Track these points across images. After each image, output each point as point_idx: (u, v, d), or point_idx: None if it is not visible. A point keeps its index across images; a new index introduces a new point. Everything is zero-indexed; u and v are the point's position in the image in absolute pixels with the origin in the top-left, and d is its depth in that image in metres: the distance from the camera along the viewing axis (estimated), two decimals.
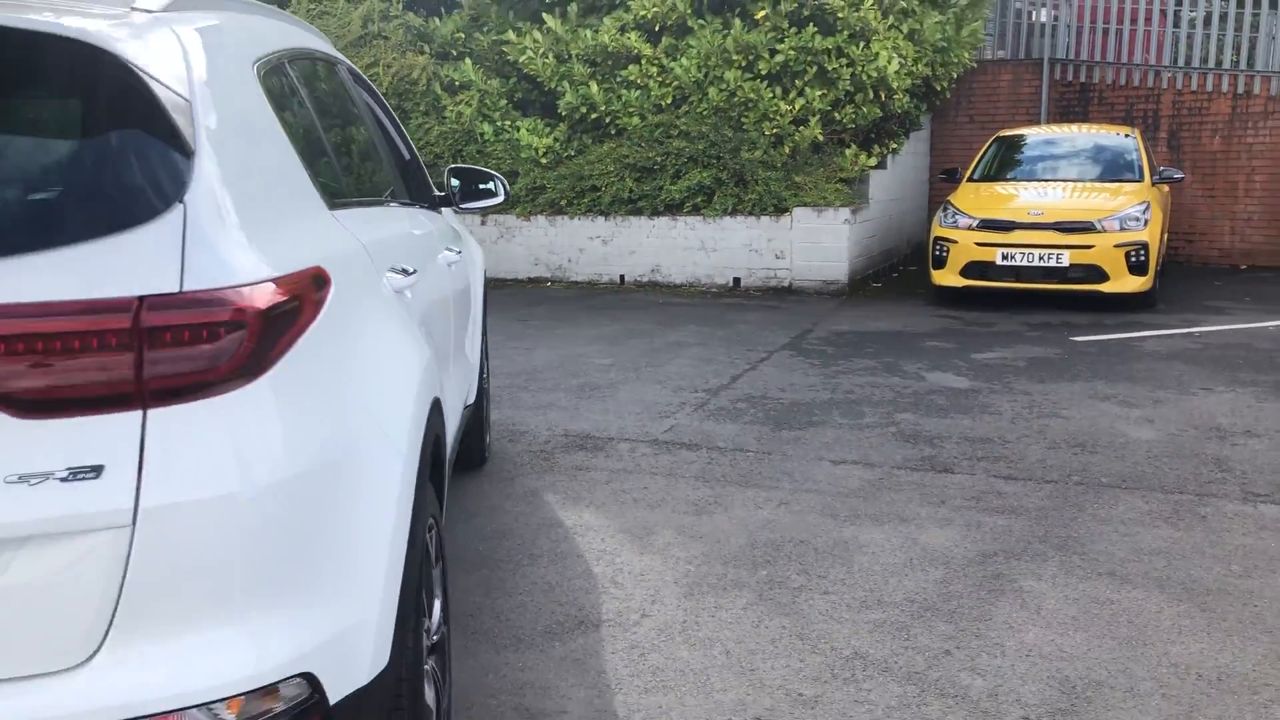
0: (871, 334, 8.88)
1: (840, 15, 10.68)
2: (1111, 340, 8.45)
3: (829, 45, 10.73)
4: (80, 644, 1.68)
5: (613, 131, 11.58)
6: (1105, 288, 9.64)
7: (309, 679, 1.83)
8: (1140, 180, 10.49)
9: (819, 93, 10.88)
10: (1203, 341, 8.39)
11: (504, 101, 11.92)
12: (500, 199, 4.52)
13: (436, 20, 12.30)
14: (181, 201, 1.80)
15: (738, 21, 10.74)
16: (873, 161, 11.68)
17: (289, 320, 1.87)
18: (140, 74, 1.87)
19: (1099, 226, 9.62)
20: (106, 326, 1.65)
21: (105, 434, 1.66)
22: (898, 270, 12.97)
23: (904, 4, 11.14)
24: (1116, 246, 9.56)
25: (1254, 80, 13.17)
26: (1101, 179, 10.66)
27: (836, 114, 11.19)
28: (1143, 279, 9.63)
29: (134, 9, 2.07)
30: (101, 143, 1.81)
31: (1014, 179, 10.91)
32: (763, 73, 10.90)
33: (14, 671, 1.66)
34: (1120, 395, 6.63)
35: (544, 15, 11.36)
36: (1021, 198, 10.27)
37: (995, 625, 3.57)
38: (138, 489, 1.67)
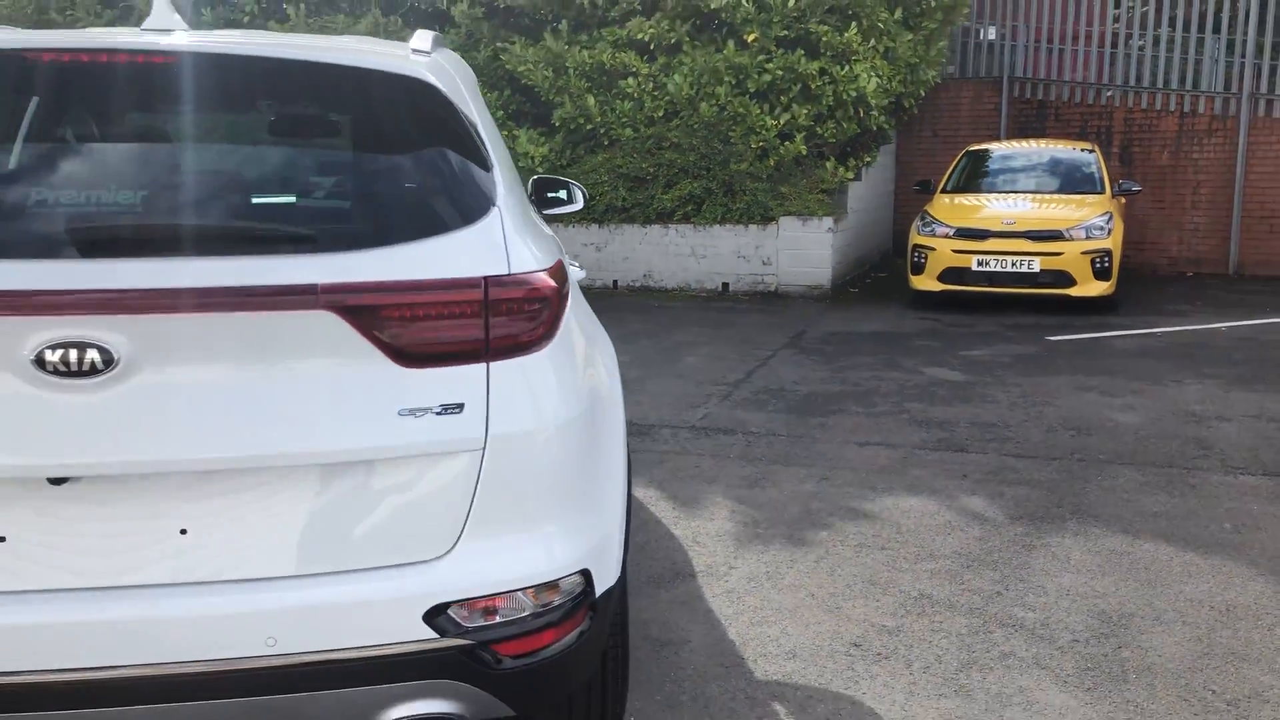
0: (863, 334, 9.51)
1: (825, 38, 11.34)
2: (1083, 339, 9.17)
3: (814, 68, 11.37)
4: (445, 540, 2.20)
5: (606, 142, 12.12)
6: (1073, 292, 10.38)
7: (584, 575, 2.35)
8: (1102, 192, 11.26)
9: (804, 109, 11.52)
10: (1165, 340, 9.13)
11: (500, 112, 12.42)
12: (578, 205, 4.93)
13: (408, 29, 12.75)
14: (496, 205, 2.33)
15: (730, 43, 11.35)
16: (850, 174, 12.36)
17: (562, 298, 2.40)
18: (452, 104, 2.40)
19: (1067, 235, 10.35)
20: (465, 299, 2.18)
21: (464, 380, 2.18)
22: (870, 277, 13.65)
23: (881, 25, 11.83)
24: (1083, 254, 10.30)
25: (1199, 100, 14.07)
26: (1066, 191, 11.41)
27: (819, 129, 11.84)
28: (1107, 284, 10.38)
29: (414, 51, 2.59)
30: (440, 158, 2.34)
31: (985, 190, 11.62)
32: (751, 90, 11.52)
33: (400, 560, 2.17)
34: (1101, 386, 7.31)
35: (544, 35, 11.87)
36: (994, 208, 10.98)
37: (1034, 572, 4.17)
38: (487, 422, 2.19)
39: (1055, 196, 11.25)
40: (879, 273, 14.06)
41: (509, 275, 2.24)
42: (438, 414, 2.16)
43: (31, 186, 2.22)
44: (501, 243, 2.28)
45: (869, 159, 13.14)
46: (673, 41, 11.40)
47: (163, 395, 2.04)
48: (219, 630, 2.07)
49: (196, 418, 2.06)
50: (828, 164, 12.05)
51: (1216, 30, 14.12)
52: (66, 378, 2.00)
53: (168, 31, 2.48)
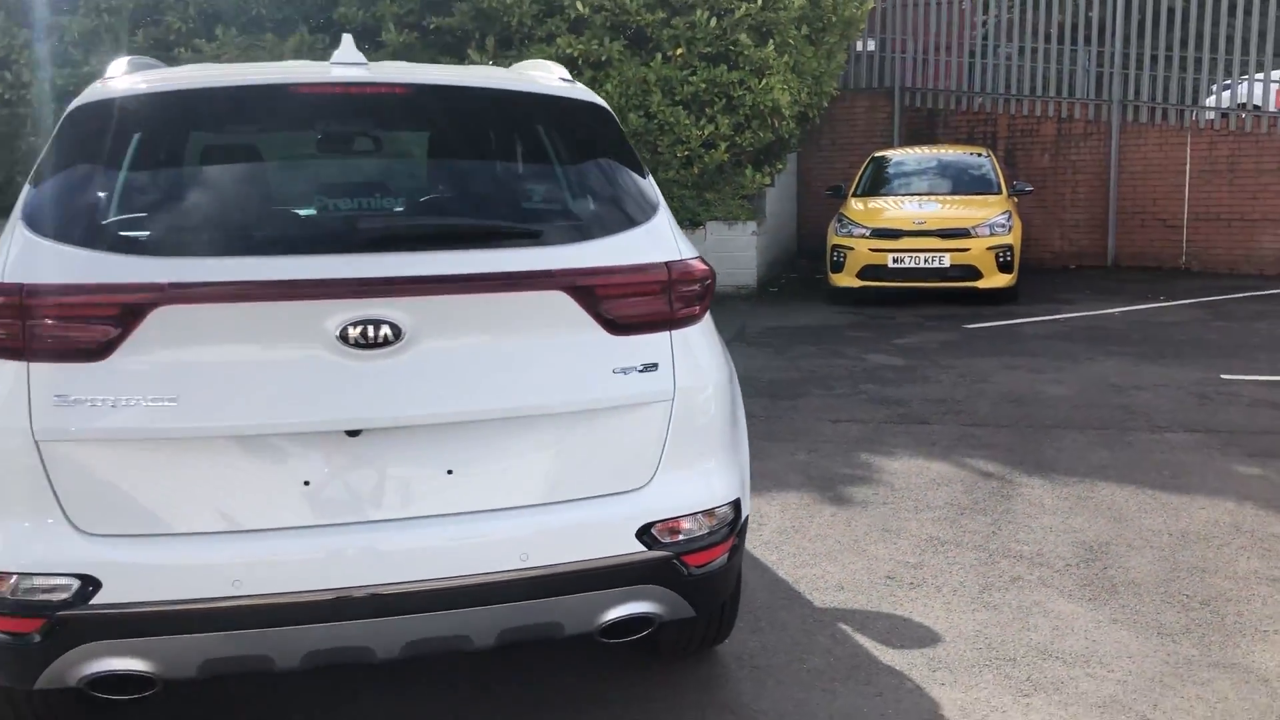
0: (799, 328, 10.21)
1: (745, 53, 12.05)
2: (997, 326, 10.04)
3: (734, 79, 12.07)
4: (647, 473, 2.71)
5: None
6: (980, 284, 11.28)
7: (734, 505, 2.89)
8: (999, 193, 12.23)
9: (726, 120, 12.20)
10: (1070, 325, 10.07)
11: None
12: None
13: (317, 38, 12.98)
14: (659, 206, 2.85)
15: (658, 57, 11.96)
16: (767, 180, 13.09)
17: (713, 281, 2.94)
18: (617, 123, 2.91)
19: (973, 232, 11.25)
20: (655, 279, 2.70)
21: (656, 345, 2.70)
22: (784, 277, 14.42)
23: (792, 41, 12.60)
24: (988, 249, 11.21)
25: (1074, 106, 15.28)
26: (966, 192, 12.35)
27: (738, 138, 12.54)
28: (1009, 276, 11.32)
29: (560, 79, 3.09)
30: (618, 167, 2.86)
31: (894, 193, 12.49)
32: (678, 100, 12.15)
33: (617, 489, 2.68)
34: (1026, 365, 8.13)
35: (469, 52, 12.28)
36: (905, 209, 11.83)
37: (1018, 516, 4.85)
38: (674, 378, 2.72)
39: (958, 197, 12.17)
40: (790, 273, 14.84)
41: (681, 261, 2.77)
42: (640, 371, 2.67)
43: (318, 195, 2.66)
44: (671, 236, 2.81)
45: (780, 166, 13.91)
46: (602, 59, 11.95)
47: (435, 362, 2.51)
48: (482, 550, 2.54)
49: (461, 379, 2.53)
50: (747, 171, 12.75)
51: (1088, 42, 15.34)
52: (363, 349, 2.45)
53: (359, 64, 2.93)
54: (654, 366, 2.70)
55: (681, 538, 2.74)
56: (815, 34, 13.60)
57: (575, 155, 2.89)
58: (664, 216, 2.85)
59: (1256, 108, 14.14)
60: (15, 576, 2.40)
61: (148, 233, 2.58)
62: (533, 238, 2.67)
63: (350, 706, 3.23)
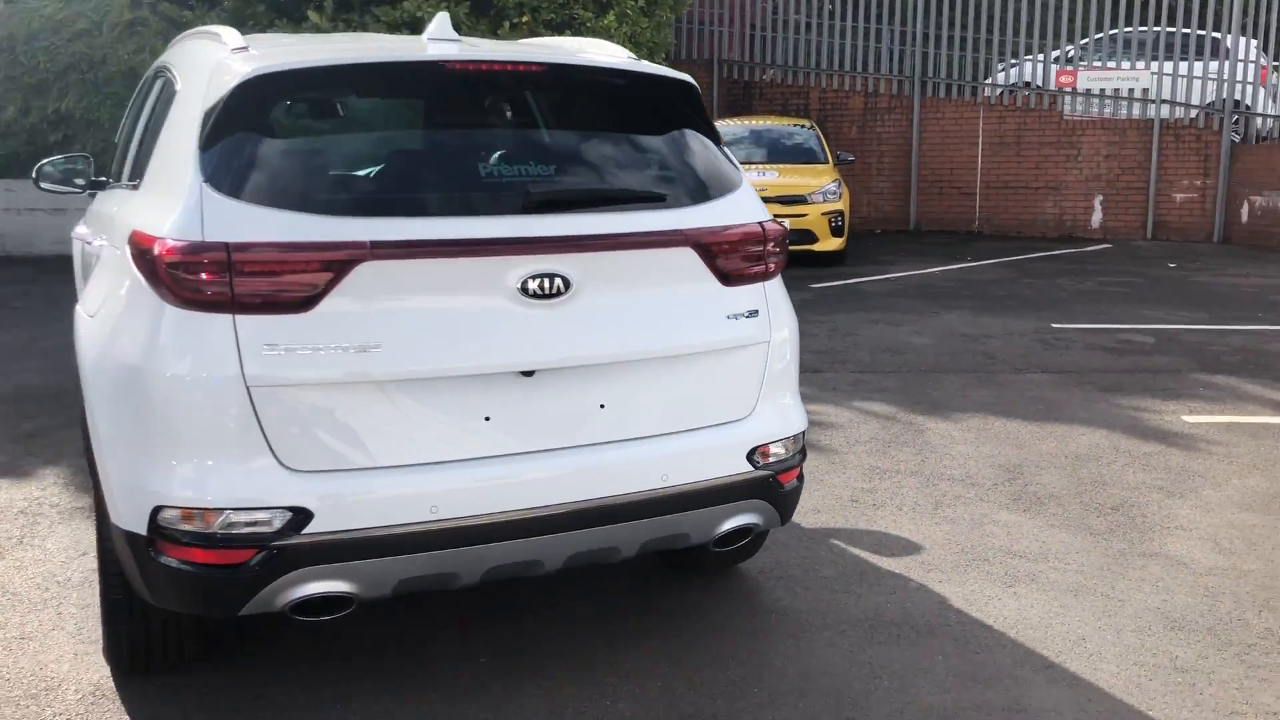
0: None
1: (588, 25, 12.39)
2: (841, 285, 10.87)
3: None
4: (750, 405, 3.12)
5: None
6: (816, 247, 12.11)
7: (803, 434, 3.34)
8: (826, 162, 13.11)
9: None
10: (901, 284, 11.01)
11: None
12: None
13: (189, 13, 12.54)
14: (741, 172, 3.25)
15: (506, 24, 12.13)
16: None
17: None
18: (702, 98, 3.28)
19: (809, 199, 12.06)
20: (756, 236, 3.10)
21: (756, 294, 3.11)
22: None
23: (629, 12, 13.03)
24: (822, 214, 12.05)
25: (879, 82, 16.42)
26: (796, 161, 13.16)
27: None
28: (841, 240, 12.20)
29: (630, 57, 3.42)
30: (709, 138, 3.23)
31: None
32: None
33: (731, 418, 3.08)
34: (883, 320, 8.93)
35: (307, 12, 12.08)
36: (747, 177, 12.51)
37: (936, 446, 5.52)
38: (770, 325, 3.13)
39: (790, 166, 12.96)
40: None
41: (769, 221, 3.18)
42: (745, 318, 3.08)
43: (481, 163, 2.91)
44: (756, 200, 3.22)
45: None
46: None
47: (594, 310, 2.84)
48: (632, 472, 2.90)
49: (613, 326, 2.88)
50: None
51: (891, 21, 16.47)
52: (539, 300, 2.75)
53: (455, 40, 3.18)
54: (755, 313, 3.11)
55: (773, 460, 3.17)
56: (648, 6, 14.09)
57: (677, 127, 3.24)
58: (746, 183, 3.25)
59: (1038, 86, 15.62)
60: (226, 512, 2.59)
61: (342, 196, 2.79)
62: (660, 201, 3.03)
63: (426, 632, 3.50)
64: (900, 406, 6.25)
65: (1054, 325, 8.65)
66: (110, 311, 2.92)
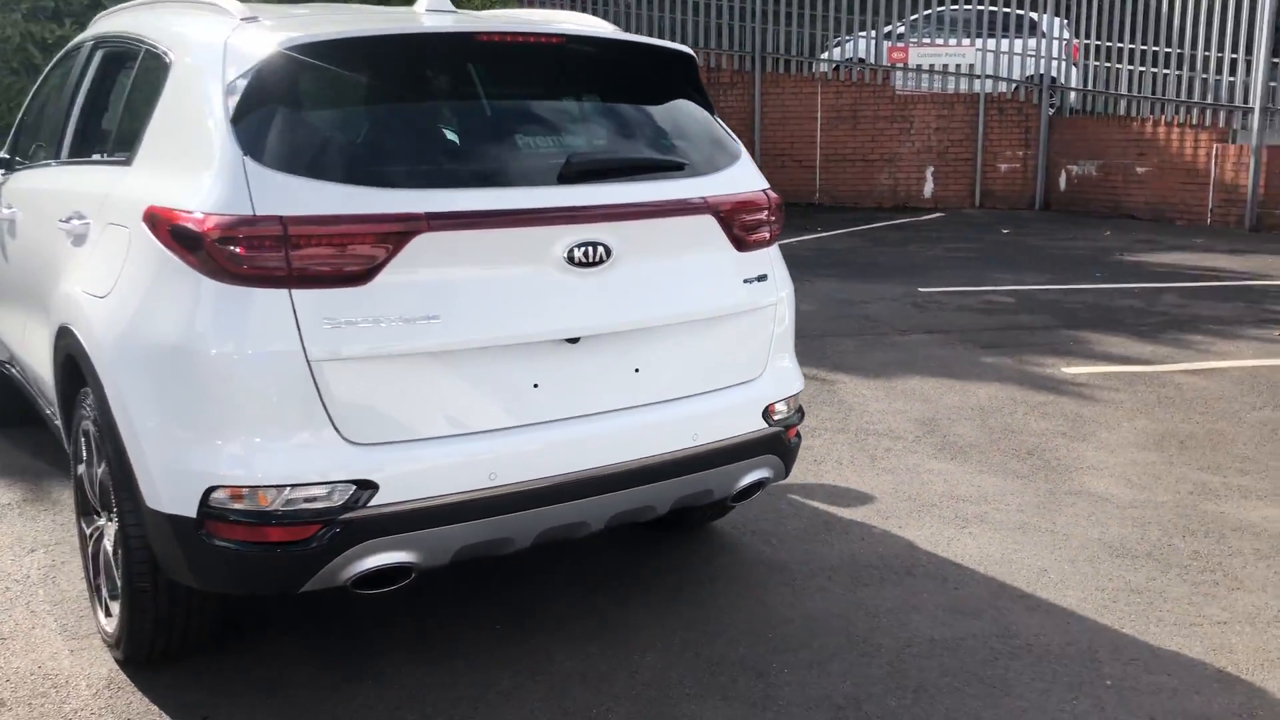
0: None
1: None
2: None
3: None
4: (762, 365, 3.26)
5: None
6: None
7: (798, 395, 3.51)
8: None
9: None
10: None
11: None
12: None
13: None
14: (739, 142, 3.37)
15: None
16: None
17: None
18: (697, 71, 3.37)
19: None
20: (763, 203, 3.23)
21: (765, 259, 3.25)
22: None
23: None
24: None
25: (722, 57, 16.79)
26: None
27: None
28: None
29: (618, 30, 3.49)
30: (708, 110, 3.33)
31: None
32: None
33: (748, 378, 3.22)
34: None
35: None
36: None
37: (853, 404, 5.81)
38: (777, 287, 3.27)
39: None
40: None
41: (771, 189, 3.32)
42: (757, 281, 3.22)
43: (518, 135, 2.93)
44: (756, 169, 3.35)
45: None
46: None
47: (631, 277, 2.92)
48: (667, 432, 3.00)
49: (648, 292, 2.96)
50: None
51: None
52: (583, 268, 2.81)
53: (451, 11, 3.19)
54: (765, 278, 3.25)
55: (778, 417, 3.32)
56: None
57: (683, 97, 3.33)
58: (745, 152, 3.37)
59: (872, 62, 16.29)
60: (288, 488, 2.56)
61: (391, 168, 2.76)
62: (681, 170, 3.12)
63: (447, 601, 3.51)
64: (808, 369, 6.49)
65: (920, 289, 9.14)
66: (130, 291, 2.82)
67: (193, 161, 2.75)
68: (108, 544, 3.08)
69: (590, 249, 2.83)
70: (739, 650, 3.23)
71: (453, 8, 3.23)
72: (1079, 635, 3.34)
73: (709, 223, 3.11)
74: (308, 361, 2.56)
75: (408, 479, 2.65)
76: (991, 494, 4.52)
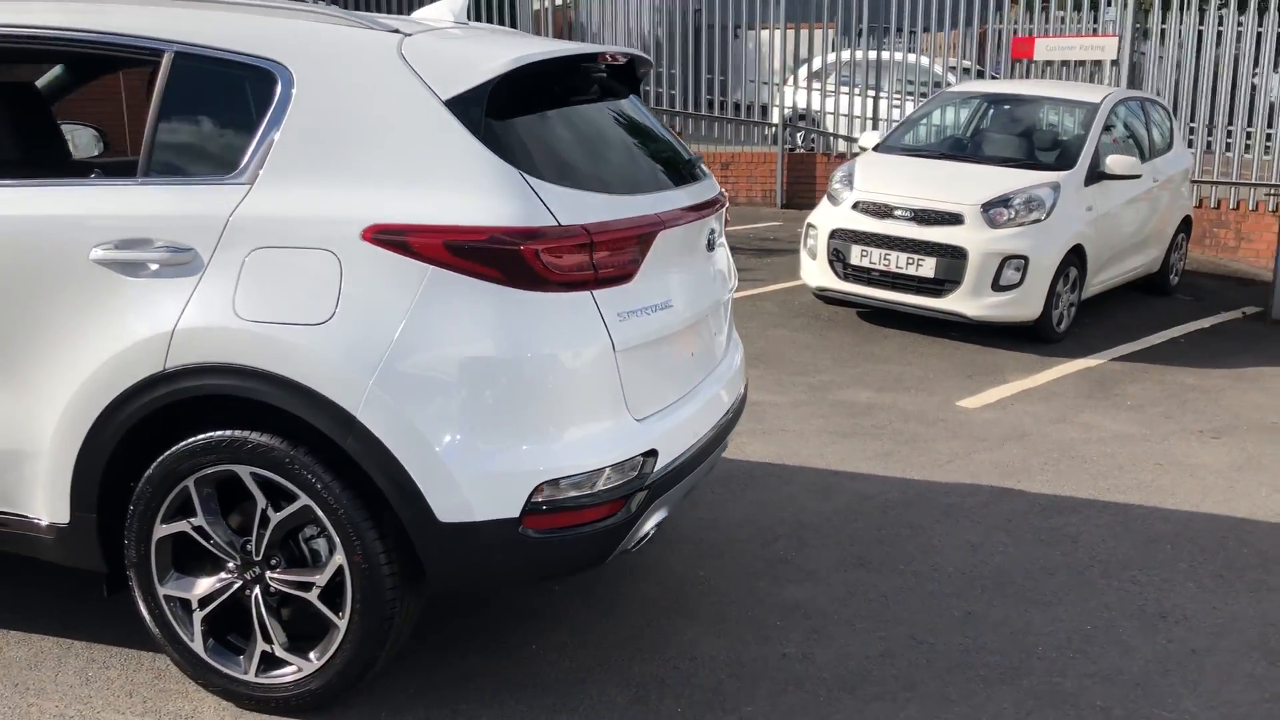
0: None
1: None
2: None
3: None
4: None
5: None
6: None
7: None
8: None
9: None
10: None
11: None
12: None
13: None
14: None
15: None
16: None
17: None
18: None
19: None
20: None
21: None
22: None
23: None
24: None
25: None
26: None
27: None
28: None
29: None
30: None
31: None
32: None
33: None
34: None
35: None
36: None
37: (818, 379, 6.40)
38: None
39: None
40: None
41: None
42: None
43: (651, 144, 3.52)
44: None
45: None
46: None
47: (721, 258, 3.66)
48: (738, 380, 3.77)
49: (726, 268, 3.66)
50: None
51: None
52: (709, 251, 3.48)
53: (461, 13, 3.54)
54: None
55: None
56: None
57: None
58: None
59: None
60: (606, 469, 2.96)
61: (623, 176, 3.27)
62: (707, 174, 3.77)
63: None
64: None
65: None
66: (369, 312, 2.79)
67: (424, 176, 2.83)
68: (258, 593, 3.03)
69: (714, 235, 3.51)
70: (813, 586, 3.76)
71: (463, 13, 3.53)
72: None
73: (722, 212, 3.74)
74: (615, 353, 2.98)
75: (668, 443, 3.15)
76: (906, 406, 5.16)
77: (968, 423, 5.88)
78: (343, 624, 2.99)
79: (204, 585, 3.13)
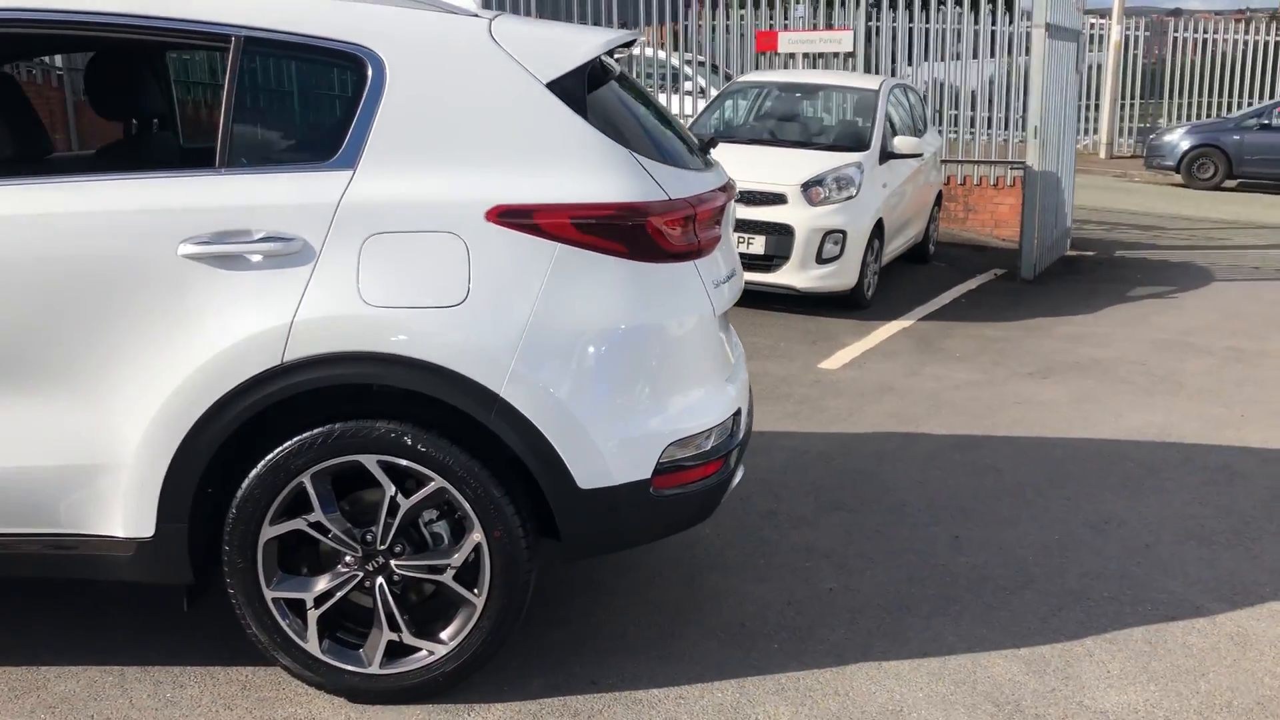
0: None
1: None
2: None
3: None
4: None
5: None
6: None
7: None
8: None
9: None
10: None
11: None
12: None
13: None
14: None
15: None
16: None
17: None
18: None
19: None
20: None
21: None
22: None
23: None
24: None
25: None
26: None
27: None
28: None
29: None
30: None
31: None
32: None
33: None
34: None
35: None
36: None
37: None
38: None
39: None
40: None
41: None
42: None
43: (670, 126, 3.54)
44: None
45: None
46: None
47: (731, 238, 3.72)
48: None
49: (734, 248, 3.73)
50: None
51: None
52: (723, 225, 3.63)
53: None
54: None
55: None
56: None
57: None
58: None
59: None
60: (716, 427, 3.15)
61: (675, 152, 3.28)
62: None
63: None
64: None
65: None
66: (501, 291, 2.84)
67: (536, 157, 2.92)
68: (382, 581, 2.99)
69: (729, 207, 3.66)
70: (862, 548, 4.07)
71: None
72: None
73: None
74: (716, 318, 3.18)
75: (744, 404, 3.40)
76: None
77: (838, 381, 6.40)
78: (479, 601, 3.02)
79: (321, 583, 3.04)
